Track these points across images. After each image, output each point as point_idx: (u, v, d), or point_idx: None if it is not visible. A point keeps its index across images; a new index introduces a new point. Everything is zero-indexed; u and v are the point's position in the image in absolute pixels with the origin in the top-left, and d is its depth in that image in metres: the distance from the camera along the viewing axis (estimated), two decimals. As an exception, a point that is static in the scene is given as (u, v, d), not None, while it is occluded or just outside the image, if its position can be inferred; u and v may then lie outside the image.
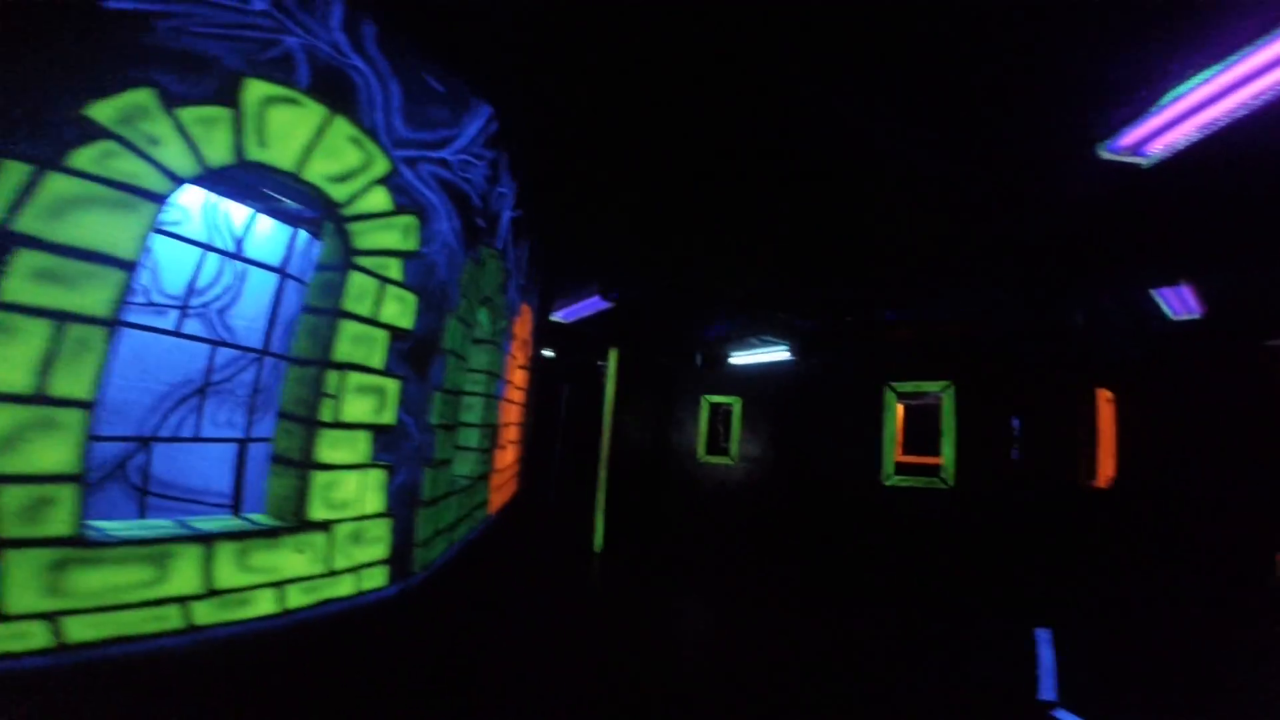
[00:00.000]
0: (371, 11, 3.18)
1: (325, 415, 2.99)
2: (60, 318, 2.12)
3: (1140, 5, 3.36)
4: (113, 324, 2.26)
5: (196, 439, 3.88)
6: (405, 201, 3.45)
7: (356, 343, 3.09)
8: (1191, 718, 4.23)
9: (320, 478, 3.01)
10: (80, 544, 2.22)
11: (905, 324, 8.18)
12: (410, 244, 3.44)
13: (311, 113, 2.90)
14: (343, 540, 3.18)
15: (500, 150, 4.73)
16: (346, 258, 3.10)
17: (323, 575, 3.15)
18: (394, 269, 3.31)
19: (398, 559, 3.54)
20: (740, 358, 12.32)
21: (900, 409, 10.77)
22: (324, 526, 3.06)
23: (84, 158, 2.17)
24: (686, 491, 10.58)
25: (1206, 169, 5.10)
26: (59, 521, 2.16)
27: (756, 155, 5.59)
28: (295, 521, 2.99)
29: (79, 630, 2.25)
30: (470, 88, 4.01)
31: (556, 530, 9.76)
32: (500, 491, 6.34)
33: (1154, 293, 7.75)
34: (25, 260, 2.06)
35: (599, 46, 3.98)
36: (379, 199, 3.29)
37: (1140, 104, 4.21)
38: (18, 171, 2.03)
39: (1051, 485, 7.38)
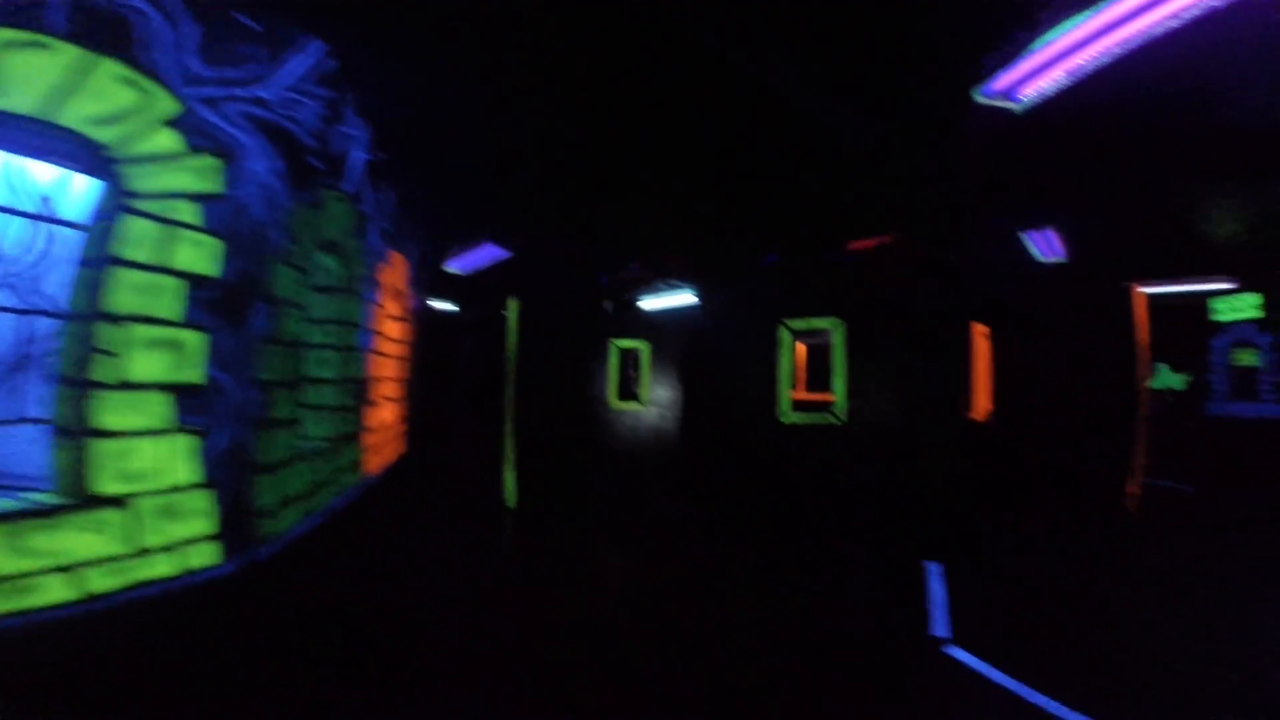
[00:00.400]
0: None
1: (105, 376, 2.62)
2: None
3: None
4: None
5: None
6: (203, 142, 3.02)
7: (139, 293, 2.71)
8: (1069, 647, 4.32)
9: (106, 447, 2.66)
10: None
11: (796, 265, 8.29)
12: (210, 185, 3.03)
13: (63, 55, 2.47)
14: (150, 516, 2.87)
15: (343, 90, 4.28)
16: (119, 202, 2.67)
17: (130, 555, 2.84)
18: (188, 212, 2.90)
19: (231, 533, 3.25)
20: (648, 302, 12.20)
21: (802, 348, 11.06)
22: (118, 502, 2.74)
23: None
24: (600, 439, 10.57)
25: (1071, 117, 5.25)
26: None
27: (653, 100, 5.31)
28: (80, 498, 2.65)
29: None
30: (296, 24, 3.54)
31: (463, 489, 9.53)
32: (380, 452, 6.04)
33: (1024, 236, 8.13)
34: None
35: None
36: (165, 140, 2.86)
37: (1013, 49, 4.21)
38: None
39: (936, 420, 7.78)
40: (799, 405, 8.67)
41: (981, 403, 8.42)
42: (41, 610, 2.60)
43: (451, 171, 6.91)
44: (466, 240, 9.12)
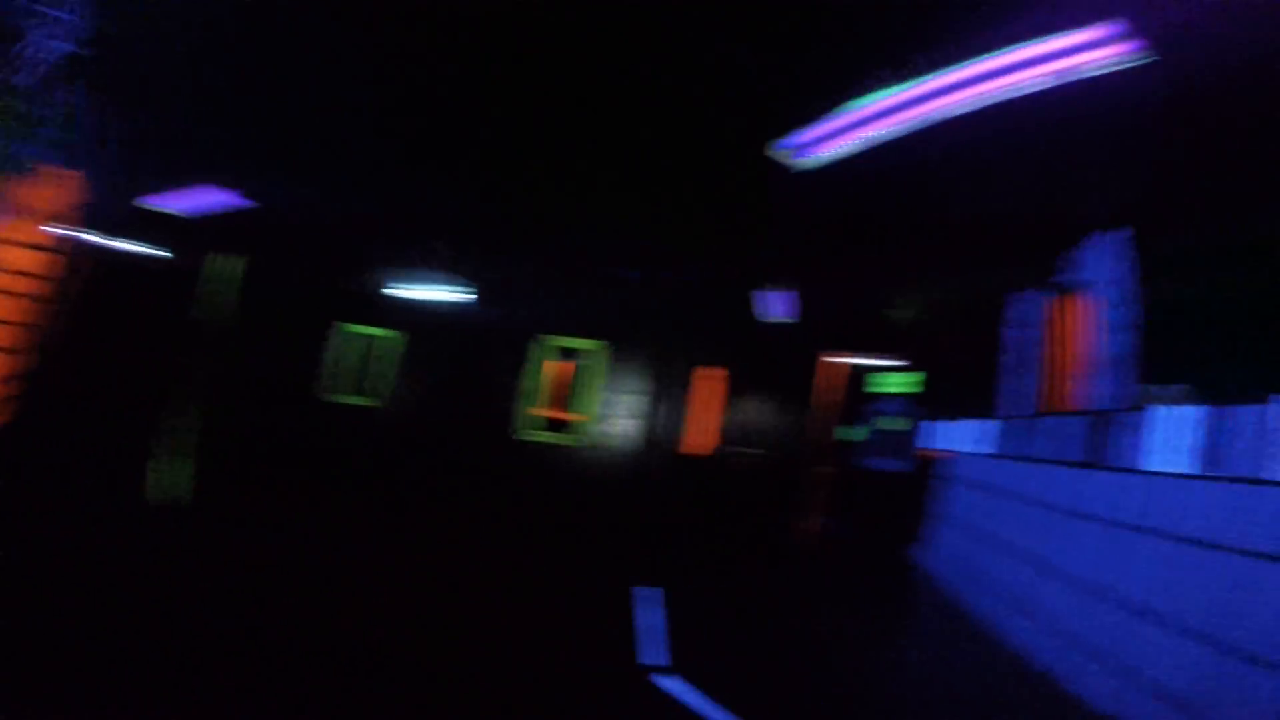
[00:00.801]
0: None
1: None
2: None
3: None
4: None
5: None
6: None
7: None
8: (773, 665, 4.64)
9: None
10: None
11: (570, 282, 8.42)
12: None
13: None
14: None
15: None
16: None
17: None
18: None
19: None
20: (415, 291, 11.27)
21: (567, 367, 11.15)
22: None
23: None
24: (314, 431, 9.26)
25: (817, 194, 6.04)
26: None
27: (451, 77, 4.85)
28: None
29: None
30: None
31: (116, 475, 7.54)
32: None
33: (767, 295, 9.39)
34: None
35: None
36: None
37: (812, 115, 4.52)
38: None
39: (668, 451, 8.43)
40: (543, 423, 8.68)
41: (705, 439, 9.43)
42: None
43: (188, 94, 5.54)
44: (188, 178, 7.42)
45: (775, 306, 9.95)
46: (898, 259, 7.35)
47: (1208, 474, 4.31)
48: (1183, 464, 4.61)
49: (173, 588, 4.58)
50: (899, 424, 11.89)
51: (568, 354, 8.85)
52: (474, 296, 9.41)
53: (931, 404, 11.30)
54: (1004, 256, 6.60)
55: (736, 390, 9.97)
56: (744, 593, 6.86)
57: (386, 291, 9.82)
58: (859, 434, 12.90)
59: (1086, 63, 3.13)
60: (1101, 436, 5.41)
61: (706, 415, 9.29)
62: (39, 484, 6.60)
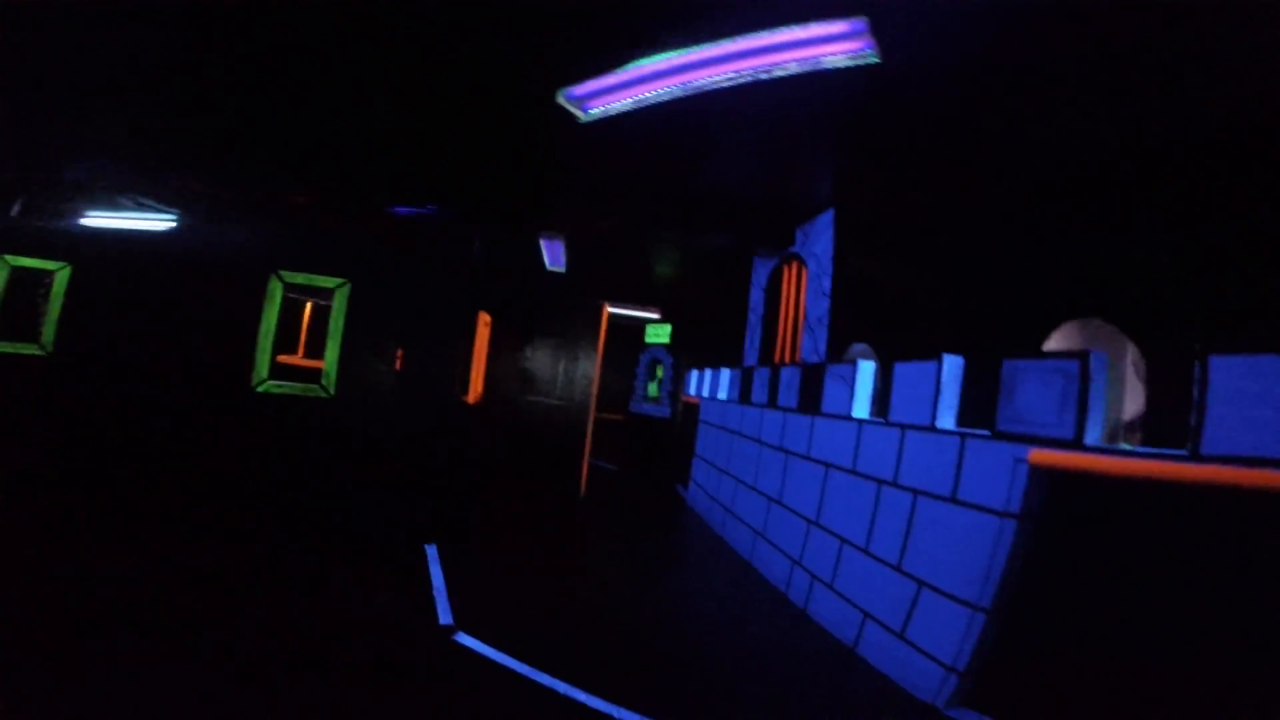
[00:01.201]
0: None
1: None
2: None
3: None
4: None
5: None
6: None
7: None
8: (555, 621, 4.67)
9: None
10: None
11: (310, 212, 7.27)
12: None
13: None
14: None
15: None
16: None
17: None
18: None
19: None
20: (101, 218, 8.92)
21: (310, 306, 9.85)
22: None
23: None
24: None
25: (598, 144, 5.94)
26: None
27: None
28: None
29: None
30: None
31: None
32: None
33: (542, 242, 9.22)
34: None
35: None
36: None
37: (603, 65, 4.36)
38: None
39: (433, 399, 7.95)
40: (285, 372, 7.60)
41: (477, 386, 9.15)
42: None
43: None
44: None
45: (552, 255, 9.84)
46: (662, 217, 7.67)
47: (882, 420, 5.34)
48: (861, 410, 5.67)
49: None
50: (660, 372, 12.90)
51: (310, 293, 7.76)
52: (174, 223, 7.70)
53: (693, 355, 12.39)
54: (753, 223, 7.28)
55: (512, 338, 9.79)
56: (528, 538, 6.92)
57: (87, 221, 7.52)
58: (644, 383, 13.70)
59: (825, 54, 3.42)
60: (809, 386, 6.40)
61: (480, 362, 8.99)
62: None
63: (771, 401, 7.33)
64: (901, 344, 5.71)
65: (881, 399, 5.47)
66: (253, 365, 7.20)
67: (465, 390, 8.47)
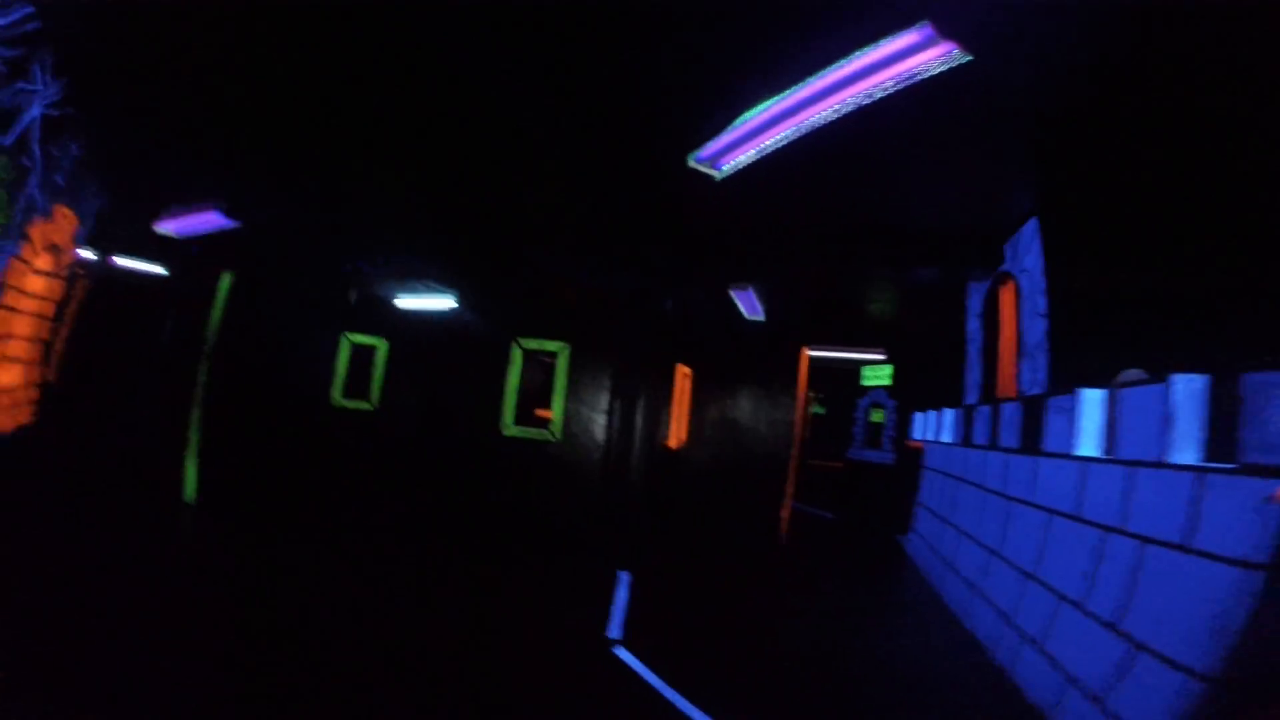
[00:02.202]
0: None
1: None
2: None
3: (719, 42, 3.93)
4: None
5: None
6: None
7: None
8: (717, 649, 4.84)
9: None
10: None
11: (536, 288, 8.78)
12: None
13: None
14: None
15: (35, 48, 4.13)
16: None
17: None
18: None
19: None
20: (404, 301, 11.85)
21: (539, 367, 11.60)
22: None
23: None
24: (319, 436, 9.86)
25: (778, 198, 6.31)
26: None
27: (415, 94, 5.23)
28: None
29: None
30: None
31: (124, 473, 8.20)
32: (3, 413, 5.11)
33: (733, 294, 9.64)
34: None
35: None
36: None
37: (719, 122, 4.91)
38: None
39: (641, 445, 8.74)
40: (525, 420, 9.11)
41: (680, 433, 9.72)
42: None
43: (170, 125, 6.10)
44: (182, 201, 8.04)
45: (748, 306, 10.19)
46: (854, 254, 7.54)
47: (1108, 457, 4.49)
48: (1087, 446, 4.79)
49: (188, 579, 5.13)
50: (881, 416, 12.01)
51: (540, 355, 9.25)
52: (458, 303, 9.89)
53: (912, 396, 11.39)
54: (950, 245, 6.75)
55: (712, 387, 10.25)
56: (719, 577, 7.19)
57: (381, 301, 10.39)
58: (863, 428, 13.04)
59: (916, 66, 3.39)
60: (1029, 421, 5.58)
61: (681, 411, 9.60)
62: (60, 480, 7.32)
63: (993, 442, 6.51)
64: (1159, 363, 4.82)
65: (1111, 432, 4.60)
66: (501, 414, 8.81)
67: (667, 436, 9.11)
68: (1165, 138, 4.36)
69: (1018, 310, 6.15)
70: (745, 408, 10.14)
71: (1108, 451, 4.58)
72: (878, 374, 12.47)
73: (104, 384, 8.31)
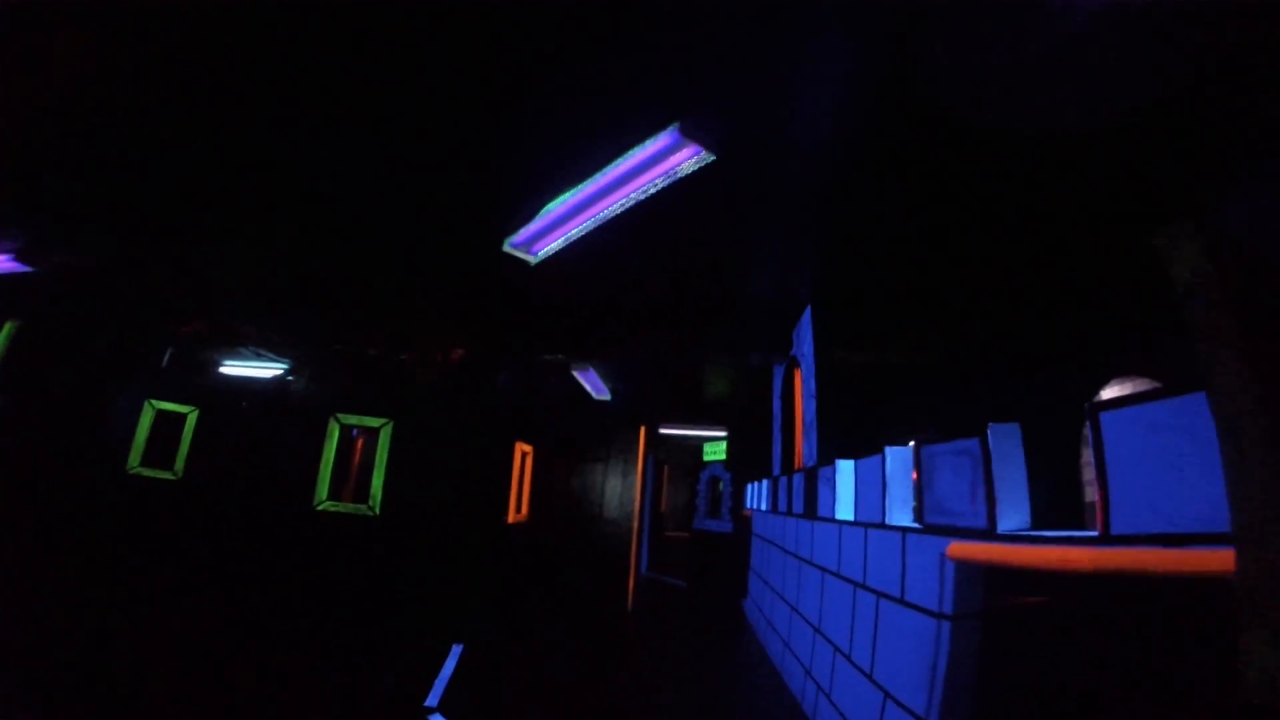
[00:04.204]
0: None
1: None
2: None
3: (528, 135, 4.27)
4: None
5: None
6: None
7: None
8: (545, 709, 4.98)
9: None
10: None
11: (360, 361, 8.61)
12: None
13: None
14: None
15: None
16: None
17: None
18: None
19: None
20: (229, 367, 11.03)
21: (359, 442, 11.11)
22: None
23: None
24: (110, 508, 8.65)
25: (589, 278, 6.75)
26: None
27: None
28: None
29: None
30: None
31: None
32: None
33: (576, 373, 10.02)
34: None
35: None
36: None
37: (528, 212, 5.27)
38: None
39: (473, 519, 8.55)
40: (338, 494, 8.63)
41: (518, 508, 9.65)
42: None
43: None
44: None
45: (589, 384, 10.56)
46: (675, 335, 8.18)
47: (854, 520, 5.14)
48: (844, 511, 5.46)
49: None
50: (720, 488, 12.70)
51: (360, 431, 8.95)
52: (284, 371, 9.39)
53: (744, 468, 12.20)
54: (745, 330, 7.56)
55: (559, 463, 10.36)
56: (558, 644, 7.11)
57: (190, 364, 9.58)
58: (705, 500, 13.60)
59: (675, 164, 3.96)
60: (808, 490, 6.24)
61: (522, 486, 9.57)
62: None
63: (789, 509, 7.14)
64: (917, 436, 5.58)
65: (856, 497, 5.29)
66: (315, 488, 8.28)
67: (504, 511, 9.00)
68: (913, 222, 5.27)
69: (799, 391, 6.98)
70: (592, 483, 10.31)
71: (855, 515, 5.24)
72: (716, 449, 13.26)
73: None
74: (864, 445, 5.44)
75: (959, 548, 3.47)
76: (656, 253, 6.00)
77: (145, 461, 8.98)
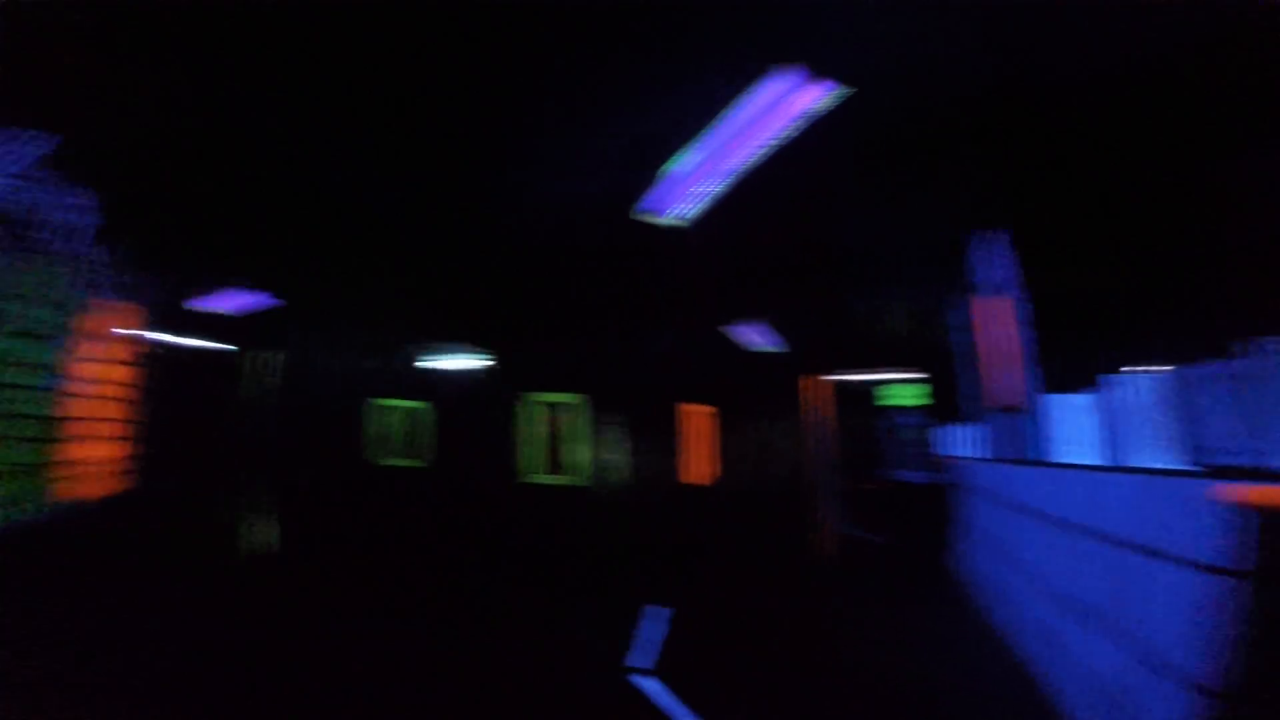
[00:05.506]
0: None
1: None
2: None
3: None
4: None
5: None
6: None
7: None
8: (748, 678, 4.92)
9: None
10: None
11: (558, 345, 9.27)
12: None
13: None
14: None
15: (71, 169, 4.69)
16: None
17: None
18: None
19: None
20: (436, 362, 12.52)
21: (554, 417, 11.97)
22: None
23: None
24: (365, 492, 10.50)
25: (763, 232, 6.62)
26: None
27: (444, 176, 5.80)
28: None
29: None
30: (29, 120, 3.87)
31: (186, 530, 8.89)
32: (84, 482, 5.89)
33: (730, 329, 9.88)
34: None
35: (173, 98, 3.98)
36: None
37: (652, 175, 5.24)
38: None
39: (655, 484, 8.96)
40: (546, 467, 9.46)
41: (700, 469, 9.85)
42: None
43: (203, 221, 6.92)
44: (218, 283, 8.94)
45: (754, 338, 10.38)
46: (833, 279, 7.72)
47: (1094, 464, 4.49)
48: (1080, 453, 4.79)
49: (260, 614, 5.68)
50: (912, 434, 11.79)
51: (554, 407, 9.66)
52: (491, 362, 10.50)
53: (929, 411, 11.22)
54: (913, 266, 6.85)
55: (730, 421, 10.39)
56: (740, 601, 7.19)
57: (415, 366, 11.13)
58: (894, 448, 12.82)
59: (806, 102, 3.68)
60: (1024, 432, 5.56)
61: (700, 448, 9.75)
62: (153, 535, 8.05)
63: (1001, 454, 6.45)
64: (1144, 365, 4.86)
65: (1089, 436, 4.61)
66: (523, 463, 9.23)
67: (694, 471, 9.28)
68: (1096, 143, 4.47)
69: (994, 321, 6.17)
70: (765, 439, 10.22)
71: (1090, 456, 4.57)
72: (894, 393, 12.34)
73: (178, 452, 9.19)
74: (1080, 378, 4.71)
75: (1234, 491, 2.88)
76: (804, 199, 5.66)
77: (387, 451, 10.74)
